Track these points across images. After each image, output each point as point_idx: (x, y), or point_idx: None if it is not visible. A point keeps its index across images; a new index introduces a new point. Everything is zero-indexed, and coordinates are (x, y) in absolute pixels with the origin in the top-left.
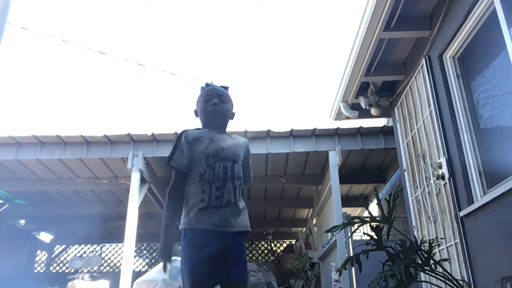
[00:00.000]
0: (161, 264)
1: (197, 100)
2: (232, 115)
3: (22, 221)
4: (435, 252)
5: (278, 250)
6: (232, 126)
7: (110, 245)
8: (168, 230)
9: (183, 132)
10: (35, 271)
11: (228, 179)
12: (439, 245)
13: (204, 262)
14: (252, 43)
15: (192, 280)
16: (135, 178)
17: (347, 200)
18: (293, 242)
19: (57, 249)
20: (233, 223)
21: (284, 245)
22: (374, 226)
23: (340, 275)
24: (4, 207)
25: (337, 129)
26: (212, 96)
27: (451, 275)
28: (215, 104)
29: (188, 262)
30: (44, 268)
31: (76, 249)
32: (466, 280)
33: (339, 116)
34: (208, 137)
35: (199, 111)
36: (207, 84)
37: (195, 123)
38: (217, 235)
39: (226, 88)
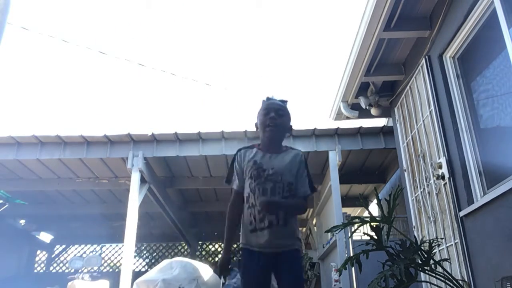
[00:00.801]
0: (161, 264)
1: (258, 113)
2: (289, 129)
3: (22, 221)
4: (435, 252)
5: None
6: (233, 127)
7: (110, 245)
8: (227, 244)
9: (237, 152)
10: (35, 271)
11: None
12: (439, 245)
13: (254, 279)
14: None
15: None
16: (135, 178)
17: (347, 200)
18: None
19: (57, 249)
20: (277, 243)
21: None
22: (374, 226)
23: (340, 275)
24: (4, 207)
25: (337, 129)
26: (270, 110)
27: (451, 275)
28: (272, 119)
29: (243, 279)
30: (44, 268)
31: (76, 249)
32: (466, 280)
33: (339, 116)
34: (253, 158)
35: (259, 124)
36: (267, 98)
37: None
38: (266, 255)
39: (285, 102)
